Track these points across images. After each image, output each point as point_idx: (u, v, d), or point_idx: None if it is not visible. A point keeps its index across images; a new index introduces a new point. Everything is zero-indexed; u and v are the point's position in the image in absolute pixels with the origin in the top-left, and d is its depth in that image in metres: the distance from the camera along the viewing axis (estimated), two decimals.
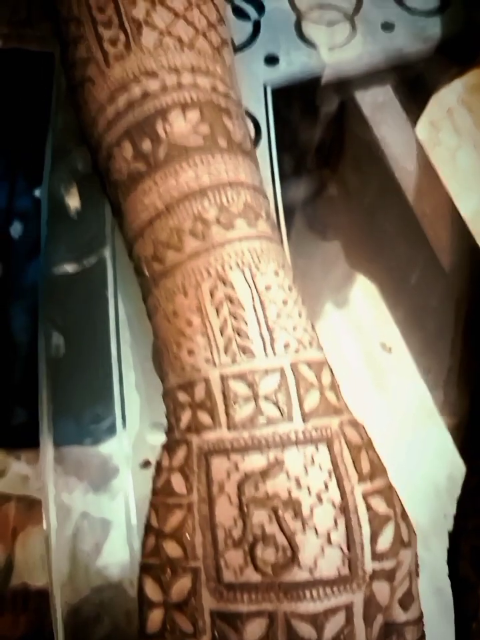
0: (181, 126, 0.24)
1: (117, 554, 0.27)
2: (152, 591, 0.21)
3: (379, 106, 0.40)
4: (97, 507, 0.29)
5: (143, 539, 0.22)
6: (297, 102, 0.40)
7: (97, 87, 0.26)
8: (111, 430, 0.30)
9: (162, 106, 0.24)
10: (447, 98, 0.40)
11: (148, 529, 0.22)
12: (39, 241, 0.43)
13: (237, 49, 0.38)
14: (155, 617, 0.21)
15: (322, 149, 0.44)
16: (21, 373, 0.51)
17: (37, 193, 0.50)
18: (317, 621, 0.19)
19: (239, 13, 0.39)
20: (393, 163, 0.38)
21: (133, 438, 0.27)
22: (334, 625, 0.19)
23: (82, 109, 0.27)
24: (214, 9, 0.28)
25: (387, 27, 0.39)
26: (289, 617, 0.19)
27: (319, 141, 0.44)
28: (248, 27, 0.39)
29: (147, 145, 0.24)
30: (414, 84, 0.41)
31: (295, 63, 0.38)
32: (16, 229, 0.49)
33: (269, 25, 0.39)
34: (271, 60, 0.38)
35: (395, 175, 0.38)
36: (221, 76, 0.26)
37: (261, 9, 0.40)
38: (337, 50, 0.38)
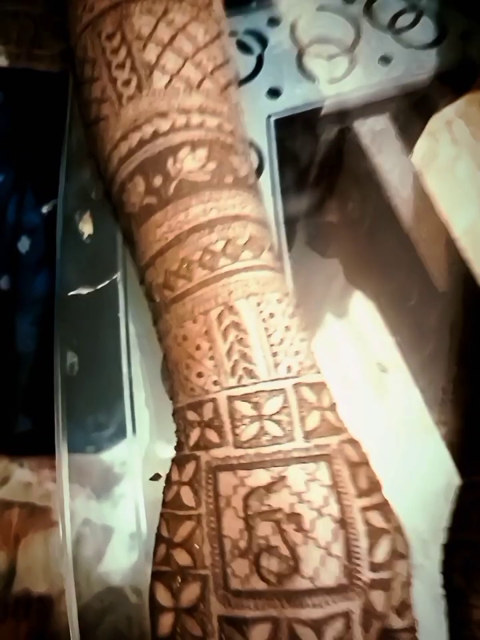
0: (190, 163, 0.26)
1: (118, 560, 0.28)
2: (163, 596, 0.22)
3: (376, 135, 0.41)
4: (99, 514, 0.30)
5: (154, 548, 0.24)
6: (298, 132, 0.41)
7: (111, 125, 0.28)
8: (114, 438, 0.30)
9: (172, 144, 0.26)
10: (447, 111, 0.41)
11: (159, 538, 0.23)
12: (45, 256, 0.44)
13: (241, 82, 0.40)
14: (166, 621, 0.22)
15: (322, 175, 0.46)
16: (25, 383, 0.52)
17: (45, 209, 0.51)
18: (318, 626, 0.21)
19: (243, 48, 0.41)
20: (390, 190, 0.40)
21: (142, 452, 0.29)
22: (334, 630, 0.21)
23: (96, 144, 0.29)
24: (220, 51, 0.30)
25: (385, 60, 0.41)
26: (291, 623, 0.21)
27: (319, 167, 0.46)
28: (251, 61, 0.41)
29: (158, 181, 0.26)
30: (411, 114, 0.43)
31: (296, 95, 0.39)
32: (24, 244, 0.50)
33: (272, 58, 0.41)
34: (274, 92, 0.39)
35: (392, 201, 0.39)
36: (227, 115, 0.28)
37: (263, 43, 0.41)
38: (336, 83, 0.40)
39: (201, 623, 0.22)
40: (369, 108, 0.41)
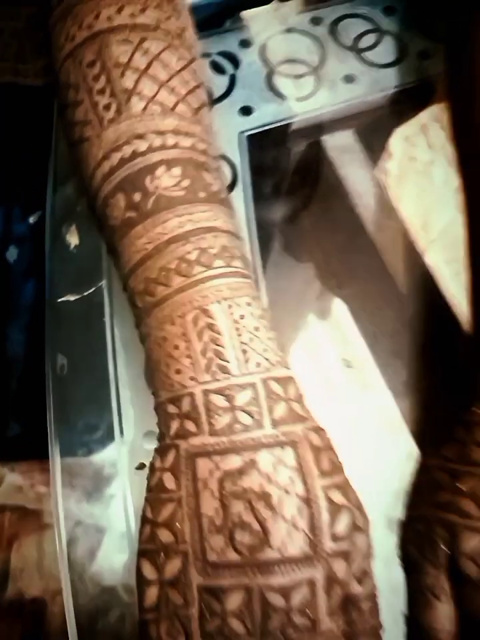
0: (166, 180, 0.28)
1: (111, 560, 0.29)
2: (148, 571, 0.25)
3: (342, 149, 0.44)
4: (91, 515, 0.31)
5: (140, 529, 0.26)
6: (271, 146, 0.44)
7: (93, 145, 0.30)
8: (104, 440, 0.32)
9: (149, 163, 0.28)
10: (422, 115, 0.44)
11: (144, 520, 0.26)
12: (33, 265, 0.46)
13: (216, 100, 0.42)
14: (151, 593, 0.24)
15: (295, 185, 0.49)
16: (16, 388, 0.54)
17: (32, 219, 0.53)
18: (286, 592, 0.23)
19: (217, 68, 0.44)
20: (355, 199, 0.42)
21: (128, 445, 0.31)
22: (300, 595, 0.23)
23: (80, 162, 0.31)
24: (192, 76, 0.32)
25: (349, 79, 0.44)
26: (262, 589, 0.23)
27: (292, 178, 0.48)
28: (225, 81, 0.43)
29: (137, 196, 0.28)
30: (374, 128, 0.46)
31: (267, 113, 0.42)
32: (12, 254, 0.52)
33: (244, 78, 0.43)
34: (246, 110, 0.42)
35: (356, 209, 0.42)
36: (200, 135, 0.30)
37: (236, 64, 0.44)
38: (304, 100, 0.43)
39: (183, 593, 0.24)
40: (335, 124, 0.44)
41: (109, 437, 0.32)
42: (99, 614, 0.30)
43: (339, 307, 0.56)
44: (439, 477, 0.26)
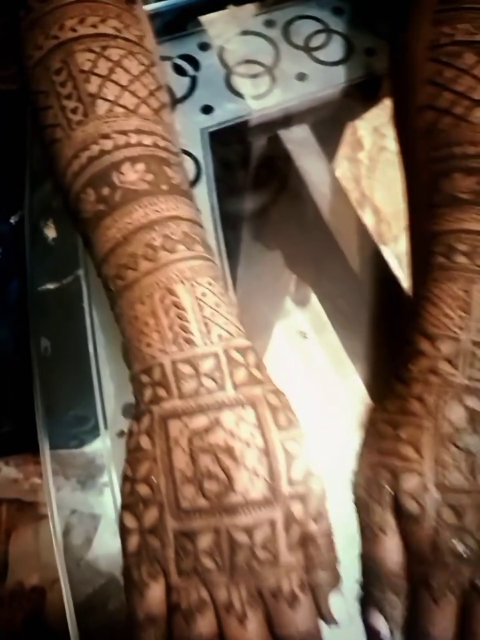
0: (131, 175, 0.31)
1: (107, 546, 0.31)
2: (130, 521, 0.27)
3: (298, 142, 0.47)
4: (85, 504, 0.33)
5: (121, 487, 0.28)
6: (233, 142, 0.46)
7: (63, 146, 0.32)
8: (94, 431, 0.34)
9: (115, 160, 0.31)
10: (390, 105, 0.46)
11: (124, 478, 0.28)
12: (17, 263, 0.48)
13: (178, 100, 0.45)
14: (133, 541, 0.27)
15: (259, 177, 0.51)
16: (6, 385, 0.55)
17: (13, 219, 0.55)
18: (250, 531, 0.26)
19: (178, 70, 0.46)
20: (312, 188, 0.45)
21: (110, 416, 0.33)
22: (262, 533, 0.26)
23: (53, 162, 0.34)
24: (153, 79, 0.34)
25: (301, 77, 0.46)
26: (229, 529, 0.26)
27: (255, 171, 0.51)
28: (186, 82, 0.45)
29: (106, 191, 0.30)
30: (327, 122, 0.49)
31: (226, 111, 0.44)
32: None
33: (204, 79, 0.46)
34: (207, 109, 0.44)
35: (313, 198, 0.45)
36: (161, 133, 0.33)
37: (196, 66, 0.46)
38: (261, 98, 0.45)
39: (160, 537, 0.27)
40: (290, 119, 0.47)
41: (98, 428, 0.34)
42: (97, 599, 0.31)
43: (308, 291, 0.59)
44: (382, 428, 0.29)
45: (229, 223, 0.54)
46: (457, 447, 0.27)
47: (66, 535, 0.32)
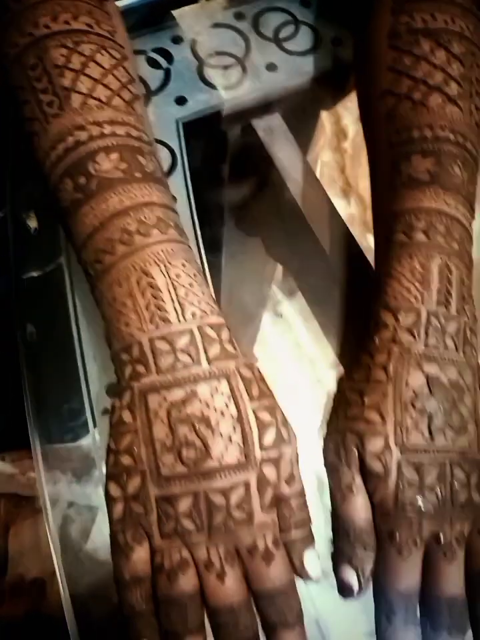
0: (106, 165, 0.32)
1: (104, 536, 0.30)
2: (114, 491, 0.29)
3: (271, 130, 0.48)
4: (82, 496, 0.33)
5: (105, 459, 0.30)
6: (208, 132, 0.47)
7: (41, 138, 0.33)
8: (88, 425, 0.34)
9: (91, 150, 0.32)
10: None
11: (108, 451, 0.30)
12: (3, 260, 0.49)
13: (153, 93, 0.45)
14: (118, 508, 0.28)
15: (234, 166, 0.52)
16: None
17: None
18: (226, 493, 0.27)
19: (152, 63, 0.47)
20: (284, 174, 0.46)
21: (95, 394, 0.35)
22: (237, 495, 0.27)
23: (32, 154, 0.34)
24: (125, 72, 0.35)
25: (271, 67, 0.47)
26: (207, 492, 0.27)
27: (231, 160, 0.52)
28: (160, 75, 0.46)
29: (82, 180, 0.31)
30: (298, 110, 0.50)
31: (200, 102, 0.45)
32: None
33: (177, 71, 0.46)
34: (181, 100, 0.45)
35: (286, 184, 0.46)
36: (134, 124, 0.34)
37: (169, 58, 0.47)
38: (232, 89, 0.46)
39: (143, 504, 0.28)
40: (262, 108, 0.48)
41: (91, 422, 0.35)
42: (97, 589, 0.32)
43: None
44: (350, 396, 0.31)
45: (210, 213, 0.56)
46: (416, 409, 0.29)
47: (64, 527, 0.33)
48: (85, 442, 0.34)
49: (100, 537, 0.31)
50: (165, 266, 0.30)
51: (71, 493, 0.33)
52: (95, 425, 0.35)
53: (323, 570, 0.29)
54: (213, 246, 0.58)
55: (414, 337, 0.30)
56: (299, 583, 0.29)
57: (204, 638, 0.27)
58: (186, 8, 0.50)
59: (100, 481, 0.33)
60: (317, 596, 0.31)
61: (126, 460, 0.29)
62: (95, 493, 0.33)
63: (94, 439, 0.34)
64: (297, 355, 0.51)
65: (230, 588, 0.27)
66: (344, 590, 0.29)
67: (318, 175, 0.79)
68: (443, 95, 0.34)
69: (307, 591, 0.30)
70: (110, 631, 0.31)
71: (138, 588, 0.27)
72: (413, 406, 0.29)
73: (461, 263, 0.32)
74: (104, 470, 0.31)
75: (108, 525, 0.29)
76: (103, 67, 0.34)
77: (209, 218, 0.56)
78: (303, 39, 0.49)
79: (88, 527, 0.33)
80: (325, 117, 0.66)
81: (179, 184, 0.42)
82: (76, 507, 0.33)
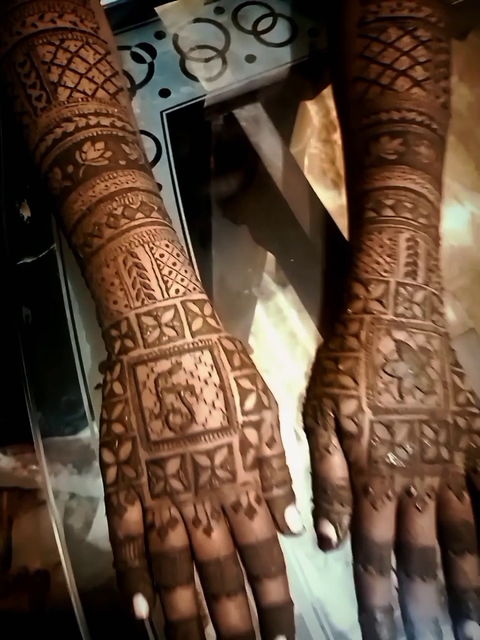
0: (92, 153, 0.33)
1: (106, 527, 0.30)
2: (107, 457, 0.30)
3: (252, 119, 0.49)
4: (83, 487, 0.33)
5: (99, 428, 0.31)
6: (191, 122, 0.49)
7: (31, 131, 0.34)
8: (86, 417, 0.35)
9: (77, 140, 0.33)
10: None
11: (101, 421, 0.31)
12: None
13: (138, 86, 0.47)
14: (111, 472, 0.30)
15: (218, 156, 0.53)
16: None
17: None
18: (210, 454, 0.29)
19: (137, 58, 0.48)
20: (266, 162, 0.47)
21: (88, 372, 0.36)
22: (221, 455, 0.29)
23: (23, 146, 0.36)
24: (108, 66, 0.36)
25: (251, 58, 0.49)
26: (193, 454, 0.29)
27: (214, 150, 0.53)
28: (145, 68, 0.47)
29: (70, 169, 0.33)
30: (277, 100, 0.51)
31: (182, 94, 0.47)
32: None
33: (161, 65, 0.48)
34: (164, 93, 0.47)
35: (268, 171, 0.47)
36: (118, 115, 0.35)
37: (153, 53, 0.48)
38: (213, 80, 0.47)
39: (134, 467, 0.29)
40: (242, 98, 0.49)
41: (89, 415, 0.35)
42: (99, 578, 0.32)
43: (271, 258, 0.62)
44: (326, 364, 0.32)
45: (198, 204, 0.57)
46: (387, 373, 0.30)
47: (66, 518, 0.33)
48: (84, 435, 0.35)
49: (101, 527, 0.31)
50: (149, 247, 0.31)
51: (72, 484, 0.34)
52: (93, 418, 0.35)
53: (318, 555, 0.31)
54: (202, 237, 0.60)
55: (383, 306, 0.31)
56: (296, 571, 0.31)
57: (194, 590, 0.29)
58: (168, 4, 0.51)
59: (99, 472, 0.32)
60: (313, 581, 0.32)
61: (117, 428, 0.30)
62: (95, 484, 0.33)
63: (92, 432, 0.35)
64: (291, 344, 0.53)
65: (216, 542, 0.28)
66: (323, 543, 0.30)
67: (306, 166, 0.80)
68: (409, 79, 0.36)
69: (304, 577, 0.32)
70: (113, 619, 0.32)
71: (131, 545, 0.29)
72: (384, 370, 0.30)
73: (428, 236, 0.33)
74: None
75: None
76: (87, 62, 0.35)
77: (197, 209, 0.57)
78: (281, 31, 0.50)
79: (89, 518, 0.33)
80: (313, 110, 0.67)
81: (164, 173, 0.44)
82: (77, 498, 0.34)
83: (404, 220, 0.33)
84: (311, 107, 0.64)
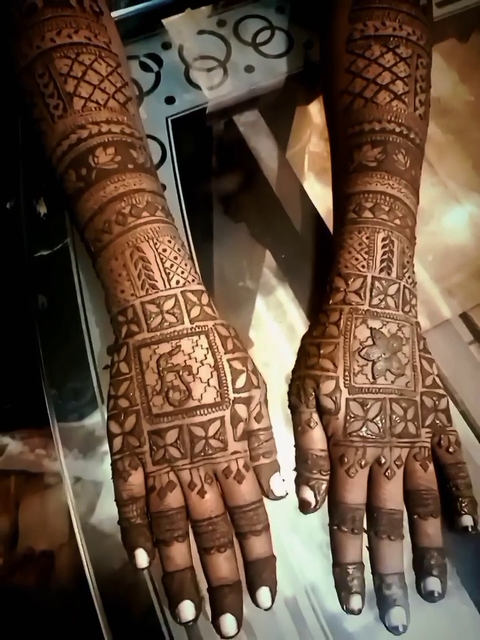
0: (103, 158, 0.36)
1: (110, 510, 0.32)
2: (114, 427, 0.33)
3: (250, 125, 0.52)
4: (87, 471, 0.35)
5: (106, 403, 0.34)
6: (195, 127, 0.51)
7: (48, 136, 0.37)
8: (93, 402, 0.37)
9: (90, 146, 0.36)
10: None
11: (109, 396, 0.34)
12: (13, 241, 0.52)
13: (145, 93, 0.49)
14: (117, 442, 0.33)
15: (219, 158, 0.56)
16: (8, 362, 0.59)
17: (9, 205, 0.59)
18: (204, 425, 0.32)
19: (145, 67, 0.51)
20: (262, 164, 0.50)
21: (97, 354, 0.39)
22: (214, 427, 0.32)
23: (40, 149, 0.39)
24: (119, 77, 0.39)
25: (249, 69, 0.51)
26: (189, 426, 0.32)
27: (216, 153, 0.56)
28: (151, 77, 0.50)
29: (83, 171, 0.36)
30: (274, 107, 0.53)
31: (186, 101, 0.49)
32: None
33: (167, 74, 0.50)
34: (169, 100, 0.49)
35: (264, 173, 0.50)
36: (127, 122, 0.38)
37: (159, 62, 0.51)
38: (215, 89, 0.50)
39: (138, 437, 0.32)
40: (242, 105, 0.51)
41: (95, 401, 0.37)
42: (103, 559, 0.33)
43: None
44: (309, 349, 0.35)
45: (200, 202, 0.60)
46: (362, 357, 0.33)
47: (70, 501, 0.35)
48: (89, 422, 0.36)
49: (105, 510, 0.33)
50: (153, 242, 0.34)
51: (77, 468, 0.35)
52: (102, 401, 0.37)
53: (308, 543, 0.33)
54: (204, 233, 0.63)
55: (361, 298, 0.34)
56: (289, 556, 0.33)
57: (188, 545, 0.32)
58: (174, 16, 0.54)
59: (104, 457, 0.34)
60: (306, 565, 0.34)
61: (123, 403, 0.33)
62: (99, 469, 0.35)
63: (102, 414, 0.37)
64: (291, 338, 0.55)
65: (209, 503, 0.32)
66: (304, 506, 0.33)
67: (306, 164, 0.82)
68: (390, 93, 0.38)
69: (297, 562, 0.34)
70: (116, 602, 0.33)
71: (134, 505, 0.32)
72: (360, 354, 0.33)
73: (403, 236, 0.36)
74: (105, 447, 0.34)
75: (112, 499, 0.32)
76: (100, 74, 0.38)
77: (199, 206, 0.60)
78: (278, 43, 0.53)
79: (93, 501, 0.34)
80: (315, 109, 0.69)
81: (168, 174, 0.47)
82: (82, 482, 0.35)
83: (381, 221, 0.35)
84: (312, 108, 0.66)
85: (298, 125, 0.68)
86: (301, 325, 0.45)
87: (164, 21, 0.53)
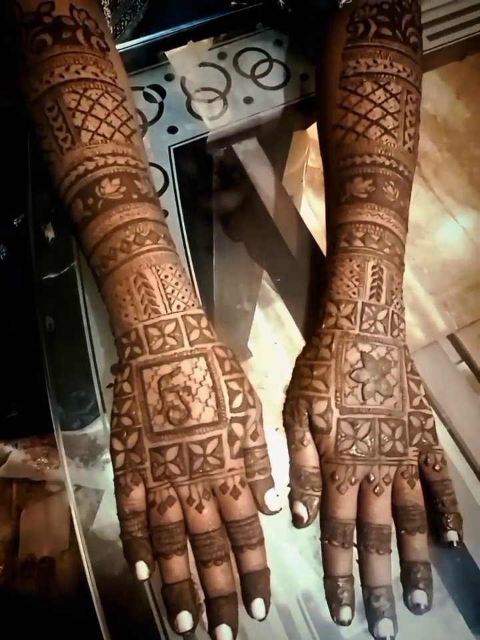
0: (109, 188, 0.37)
1: (110, 517, 0.32)
2: (117, 445, 0.34)
3: (248, 153, 0.53)
4: (89, 479, 0.35)
5: (110, 421, 0.35)
6: (196, 155, 0.53)
7: (56, 167, 0.38)
8: (95, 411, 0.37)
9: (97, 177, 0.37)
10: None
11: (112, 415, 0.35)
12: (20, 258, 0.54)
13: (149, 123, 0.51)
14: (120, 458, 0.34)
15: (220, 184, 0.58)
16: (13, 371, 0.59)
17: (16, 222, 0.61)
18: (203, 443, 0.33)
19: (148, 98, 0.52)
20: (259, 191, 0.51)
21: (102, 372, 0.40)
22: (212, 445, 0.33)
23: (49, 179, 0.40)
24: (124, 111, 0.40)
25: (248, 100, 0.53)
26: (188, 444, 0.33)
27: (217, 179, 0.57)
28: (155, 107, 0.51)
29: (90, 201, 0.37)
30: (271, 136, 0.55)
31: (188, 131, 0.51)
32: (1, 251, 0.60)
33: (169, 105, 0.52)
34: (172, 129, 0.51)
35: (261, 199, 0.51)
36: (132, 154, 0.39)
37: (163, 93, 0.52)
38: (215, 119, 0.51)
39: (139, 454, 0.33)
40: (240, 135, 0.53)
41: (97, 409, 0.37)
42: (104, 566, 0.33)
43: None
44: (303, 371, 0.36)
45: (202, 223, 0.61)
46: (353, 379, 0.34)
47: (71, 508, 0.35)
48: (91, 430, 0.37)
49: (106, 517, 0.33)
50: (156, 269, 0.36)
51: (79, 476, 0.35)
52: (105, 411, 0.38)
53: (301, 555, 0.34)
54: (205, 250, 0.64)
55: (351, 323, 0.35)
56: (283, 569, 0.34)
57: (187, 558, 0.33)
58: (177, 49, 0.55)
59: (105, 465, 0.35)
60: (299, 576, 0.35)
61: (126, 421, 0.34)
62: (100, 477, 0.35)
63: (104, 425, 0.37)
64: (289, 349, 0.55)
65: (207, 518, 0.33)
66: (296, 520, 0.34)
67: (304, 179, 0.83)
68: (380, 128, 0.40)
69: (290, 572, 0.35)
70: (116, 608, 0.34)
71: (135, 519, 0.33)
72: (350, 376, 0.34)
73: (392, 263, 0.37)
74: (107, 456, 0.34)
75: (113, 506, 0.33)
76: (106, 108, 0.39)
77: (201, 227, 0.61)
78: (276, 75, 0.54)
79: (94, 509, 0.35)
80: (313, 128, 0.70)
81: (170, 200, 0.48)
82: (83, 490, 0.36)
83: (371, 250, 0.37)
84: (310, 127, 0.68)
85: (297, 142, 0.69)
86: (299, 337, 0.47)
87: (167, 53, 0.55)
